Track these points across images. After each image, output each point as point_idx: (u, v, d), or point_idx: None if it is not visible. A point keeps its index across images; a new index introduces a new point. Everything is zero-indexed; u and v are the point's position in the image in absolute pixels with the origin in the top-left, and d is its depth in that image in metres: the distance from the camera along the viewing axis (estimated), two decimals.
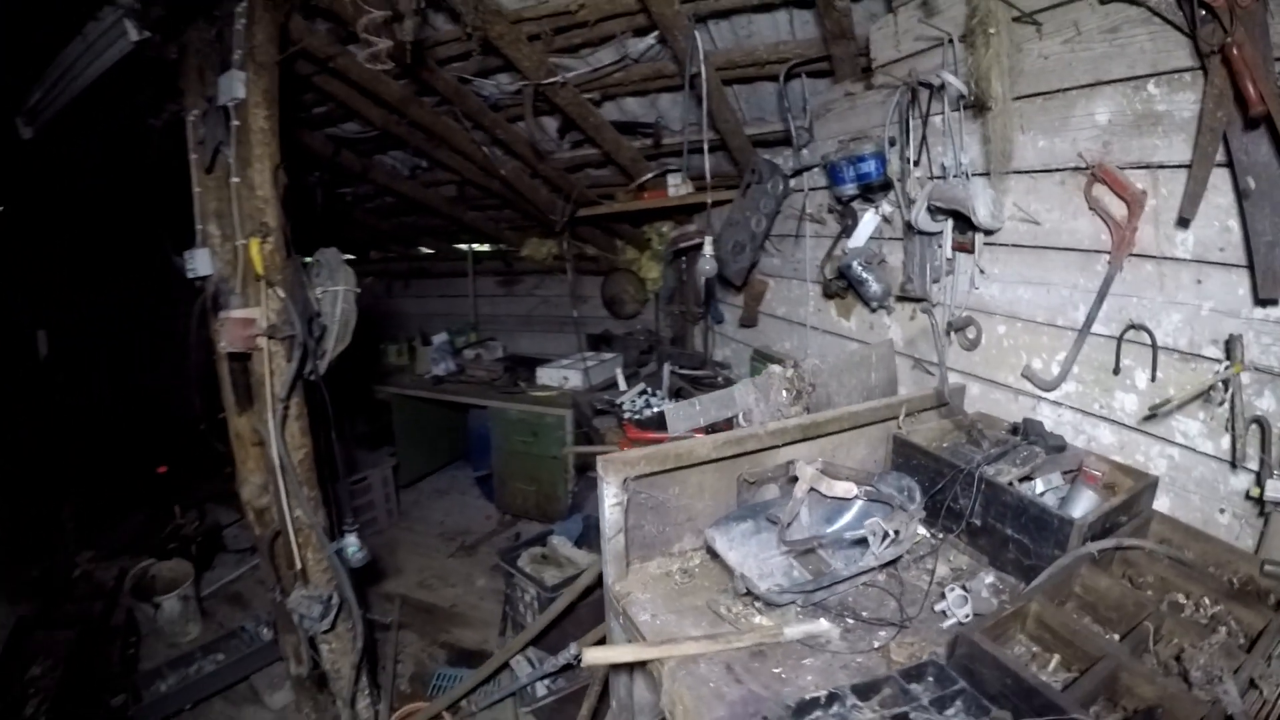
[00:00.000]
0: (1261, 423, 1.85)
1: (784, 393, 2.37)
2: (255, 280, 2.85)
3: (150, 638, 4.37)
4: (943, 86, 2.50)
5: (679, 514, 2.06)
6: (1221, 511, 1.99)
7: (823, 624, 1.70)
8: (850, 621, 1.77)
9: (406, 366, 6.84)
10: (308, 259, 3.15)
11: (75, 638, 4.05)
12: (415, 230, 7.05)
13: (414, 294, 8.07)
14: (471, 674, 3.66)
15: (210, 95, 2.84)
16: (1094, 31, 2.12)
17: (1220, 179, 1.87)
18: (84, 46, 3.10)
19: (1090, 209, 2.20)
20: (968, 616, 1.75)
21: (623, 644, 1.87)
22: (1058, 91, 2.26)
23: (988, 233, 2.54)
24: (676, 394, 4.39)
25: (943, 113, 2.60)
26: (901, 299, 3.04)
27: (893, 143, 2.87)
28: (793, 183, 3.71)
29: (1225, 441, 1.94)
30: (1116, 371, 2.20)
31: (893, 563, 1.96)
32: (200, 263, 2.95)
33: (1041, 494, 2.03)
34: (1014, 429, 2.37)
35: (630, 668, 2.08)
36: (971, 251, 2.62)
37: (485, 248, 7.26)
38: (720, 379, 4.54)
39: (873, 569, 1.84)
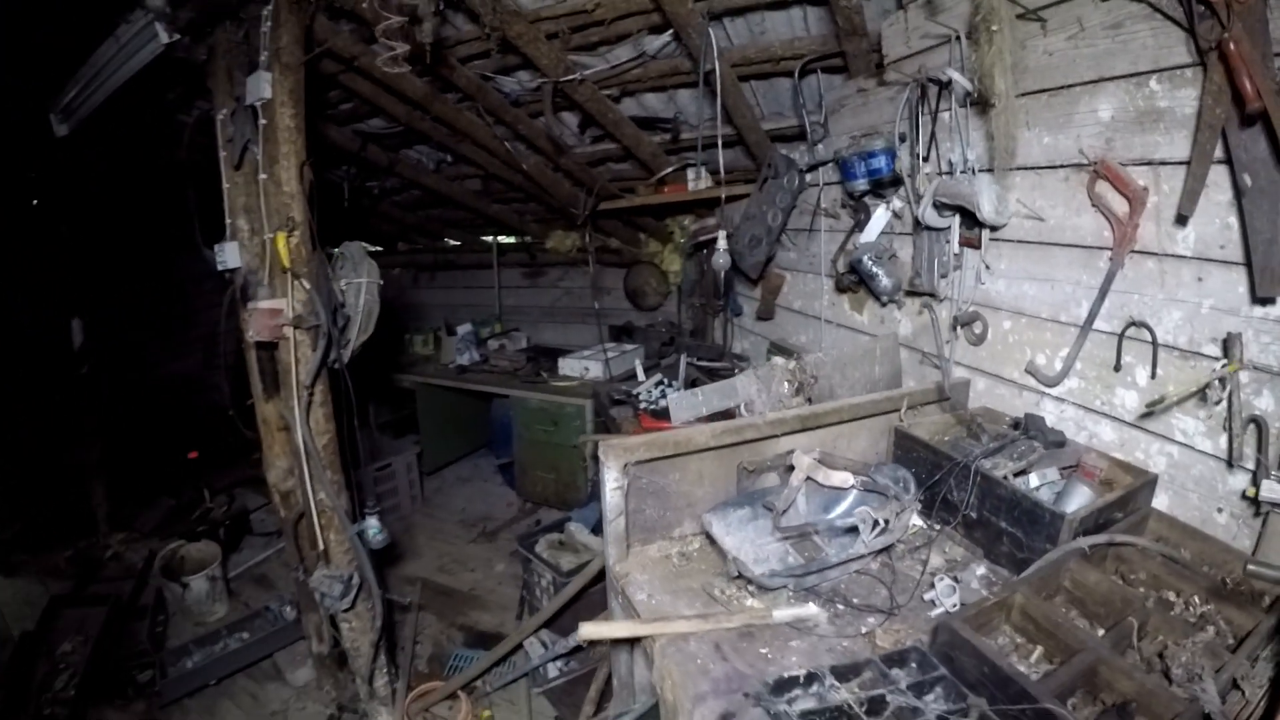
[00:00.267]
0: (1259, 422, 1.85)
1: (785, 385, 2.42)
2: (282, 272, 2.95)
3: (178, 616, 4.51)
4: (950, 83, 2.52)
5: (679, 499, 2.12)
6: (1219, 511, 2.00)
7: (811, 608, 1.75)
8: (840, 607, 1.83)
9: (432, 356, 6.94)
10: (334, 250, 3.26)
11: (105, 616, 4.19)
12: (441, 223, 7.14)
13: (440, 285, 8.15)
14: (486, 655, 3.76)
15: (238, 95, 2.94)
16: (1097, 27, 2.13)
17: (1220, 176, 1.88)
18: (116, 48, 3.19)
19: (1093, 205, 2.22)
20: (955, 606, 1.79)
21: (618, 620, 1.95)
22: (1062, 88, 2.27)
23: (993, 229, 2.56)
24: (692, 385, 4.44)
25: (950, 109, 2.61)
26: (910, 293, 3.06)
27: (903, 139, 2.89)
28: (808, 177, 3.74)
29: (1223, 440, 1.94)
30: (1118, 368, 2.21)
31: (886, 551, 2.00)
32: (230, 255, 3.05)
33: (1036, 488, 2.06)
34: (1015, 424, 2.39)
35: (630, 648, 2.16)
36: (978, 247, 2.64)
37: (510, 240, 7.32)
38: (736, 371, 4.58)
39: (863, 556, 1.89)
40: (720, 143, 3.53)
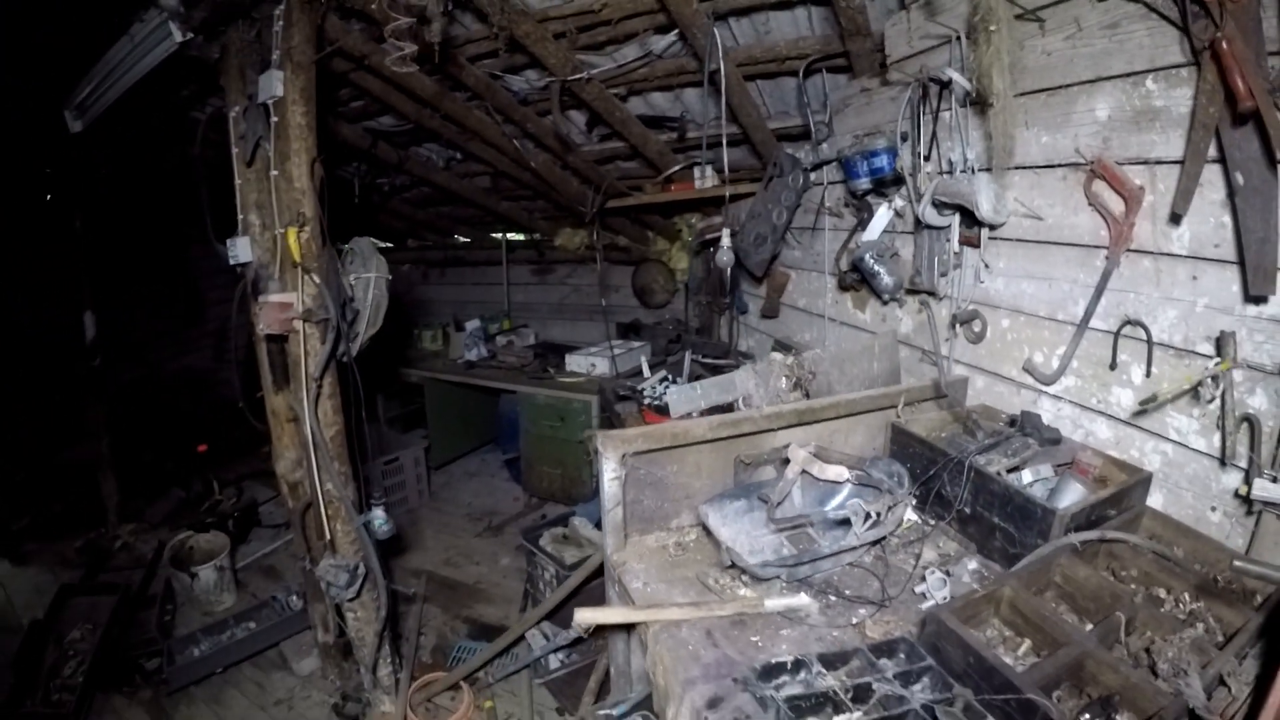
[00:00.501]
0: (1251, 421, 1.86)
1: (783, 380, 2.45)
2: (293, 267, 2.99)
3: (186, 606, 4.56)
4: (950, 83, 2.54)
5: (677, 491, 2.16)
6: (1213, 510, 2.01)
7: (803, 598, 1.79)
8: (832, 598, 1.86)
9: (440, 352, 6.99)
10: (344, 246, 3.31)
11: (114, 604, 4.24)
12: (451, 219, 7.18)
13: (450, 281, 8.21)
14: (489, 646, 3.80)
15: (251, 93, 2.98)
16: (1094, 27, 2.15)
17: (1214, 175, 1.90)
18: (130, 46, 3.24)
19: (1090, 204, 2.24)
20: (946, 599, 1.81)
21: (613, 607, 1.99)
22: (1060, 87, 2.30)
23: (992, 227, 2.58)
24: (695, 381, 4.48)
25: (951, 109, 2.64)
26: (911, 292, 3.08)
27: (905, 138, 2.90)
28: (812, 176, 3.77)
29: (1217, 439, 1.96)
30: (1113, 367, 2.23)
31: (879, 545, 2.03)
32: (241, 250, 3.10)
33: (1030, 484, 2.08)
34: (1011, 421, 2.42)
35: (626, 637, 2.20)
36: (977, 246, 2.67)
37: (519, 237, 7.37)
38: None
39: (854, 548, 1.92)
40: (726, 141, 3.56)
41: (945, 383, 2.58)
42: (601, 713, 2.27)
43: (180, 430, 6.28)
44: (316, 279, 3.00)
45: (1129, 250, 2.16)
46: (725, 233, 3.22)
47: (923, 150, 2.83)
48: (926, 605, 1.82)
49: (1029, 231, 2.50)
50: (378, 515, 3.22)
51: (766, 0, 3.03)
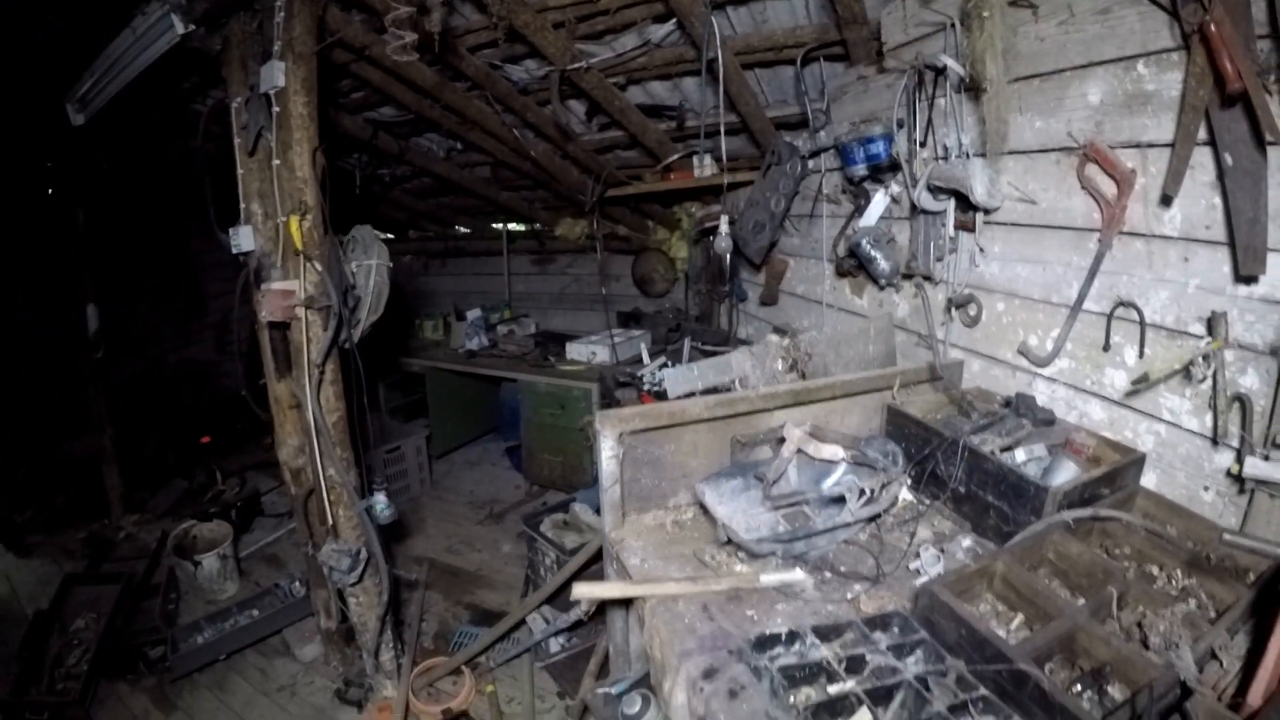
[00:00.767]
0: (1243, 400, 1.89)
1: (780, 362, 2.48)
2: (295, 255, 3.02)
3: (190, 595, 4.59)
4: (945, 69, 2.57)
5: (674, 470, 2.19)
6: (1206, 489, 2.04)
7: (798, 574, 1.82)
8: (827, 574, 1.89)
9: (441, 341, 7.01)
10: (346, 236, 3.34)
11: (118, 593, 4.27)
12: (452, 210, 7.21)
13: (450, 272, 8.23)
14: (490, 630, 3.84)
15: (252, 83, 3.01)
16: (1086, 13, 2.17)
17: (1204, 157, 1.93)
18: (133, 39, 3.25)
19: (1083, 188, 2.26)
20: (939, 575, 1.84)
21: (610, 581, 2.02)
22: (1053, 73, 2.32)
23: (987, 211, 2.61)
24: None
25: (946, 95, 2.66)
26: (907, 276, 3.11)
27: (901, 125, 2.93)
28: (810, 164, 3.78)
29: (1209, 419, 1.98)
30: (1106, 348, 2.27)
31: (874, 520, 2.07)
32: (244, 239, 3.12)
33: (1023, 463, 2.11)
34: (1006, 403, 2.45)
35: (625, 614, 2.23)
36: (972, 230, 2.70)
37: (520, 227, 7.39)
38: None
39: (848, 524, 1.95)
40: (724, 130, 3.59)
41: (941, 365, 2.61)
42: (601, 691, 2.30)
43: (182, 422, 6.33)
44: (319, 266, 3.04)
45: (1121, 233, 2.18)
46: (724, 220, 3.26)
47: (919, 136, 2.86)
48: (920, 581, 1.85)
49: (1023, 215, 2.52)
50: (379, 500, 3.26)
51: None
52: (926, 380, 2.63)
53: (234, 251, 3.16)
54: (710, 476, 2.10)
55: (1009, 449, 2.15)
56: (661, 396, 4.04)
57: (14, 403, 5.38)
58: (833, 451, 2.06)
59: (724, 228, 3.23)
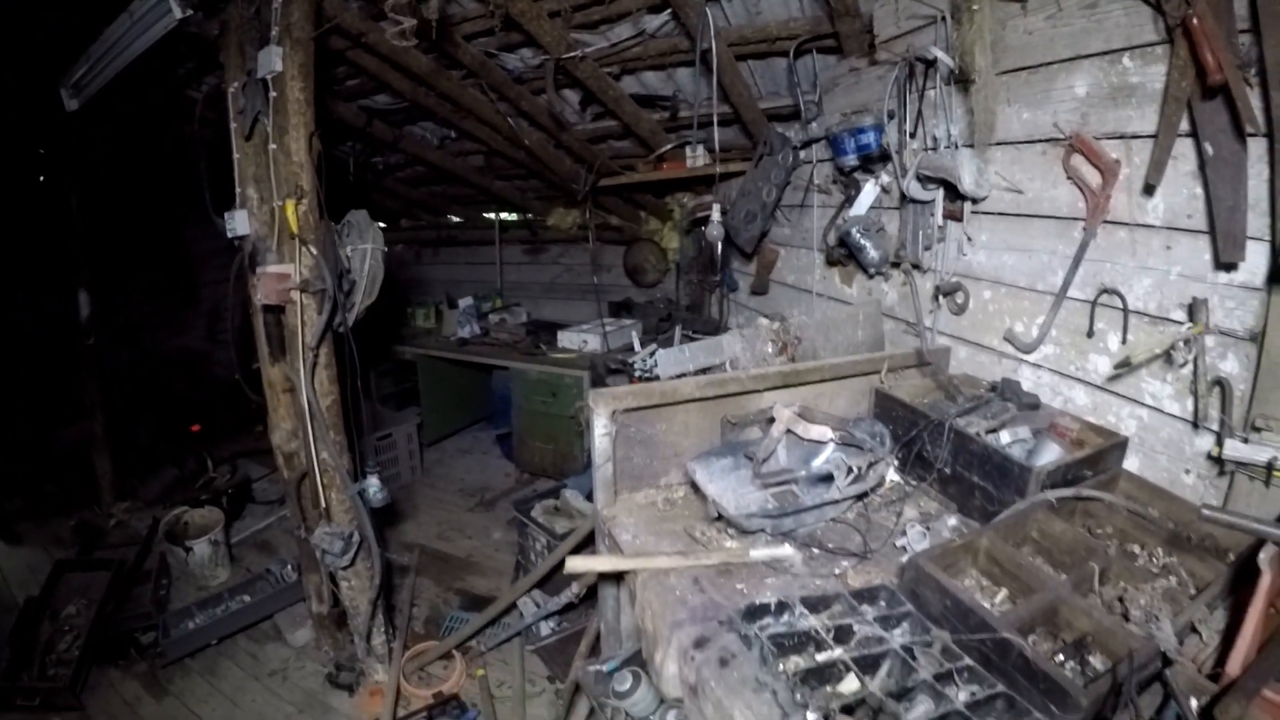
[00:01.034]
0: (1223, 384, 1.94)
1: (770, 345, 2.52)
2: (290, 239, 3.04)
3: (181, 581, 4.61)
4: (935, 62, 2.61)
5: (666, 449, 2.23)
6: (1187, 472, 2.09)
7: (787, 549, 1.86)
8: (815, 551, 1.93)
9: (433, 329, 7.03)
10: (340, 222, 3.35)
11: (109, 579, 4.29)
12: (444, 199, 7.23)
13: (442, 261, 8.25)
14: (481, 614, 3.88)
15: (250, 69, 3.02)
16: (1074, 7, 2.21)
17: (1186, 148, 1.98)
18: (130, 23, 3.26)
19: (1068, 178, 2.31)
20: (925, 549, 1.89)
21: (603, 555, 2.06)
22: (1040, 66, 2.36)
23: (974, 201, 2.65)
24: None
25: (936, 87, 2.71)
26: (896, 265, 3.15)
27: (892, 116, 2.97)
28: (801, 154, 3.82)
29: (1190, 403, 2.03)
30: (1090, 335, 2.31)
31: (861, 499, 2.11)
32: (239, 223, 3.14)
33: (1008, 445, 2.15)
34: (992, 387, 2.50)
35: (616, 589, 2.27)
36: (960, 219, 2.74)
37: (512, 217, 7.42)
38: None
39: (837, 501, 1.99)
40: (717, 121, 3.63)
41: (928, 351, 2.65)
42: (592, 668, 2.33)
43: (174, 410, 6.33)
44: (314, 250, 3.05)
45: (1105, 221, 2.23)
46: (715, 208, 3.30)
47: (909, 127, 2.89)
48: (906, 558, 1.89)
49: (1010, 205, 2.57)
50: (372, 484, 3.28)
51: None
52: (914, 365, 2.67)
53: (229, 236, 3.18)
54: (701, 455, 2.14)
55: (994, 431, 2.19)
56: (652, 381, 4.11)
57: (4, 389, 5.36)
58: (821, 432, 2.10)
59: (716, 215, 3.28)
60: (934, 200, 2.80)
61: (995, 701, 1.34)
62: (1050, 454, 2.08)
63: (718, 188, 3.98)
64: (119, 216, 5.80)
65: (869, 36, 3.17)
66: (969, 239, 2.75)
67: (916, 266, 2.99)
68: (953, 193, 2.68)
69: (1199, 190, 1.97)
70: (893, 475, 2.29)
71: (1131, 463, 2.19)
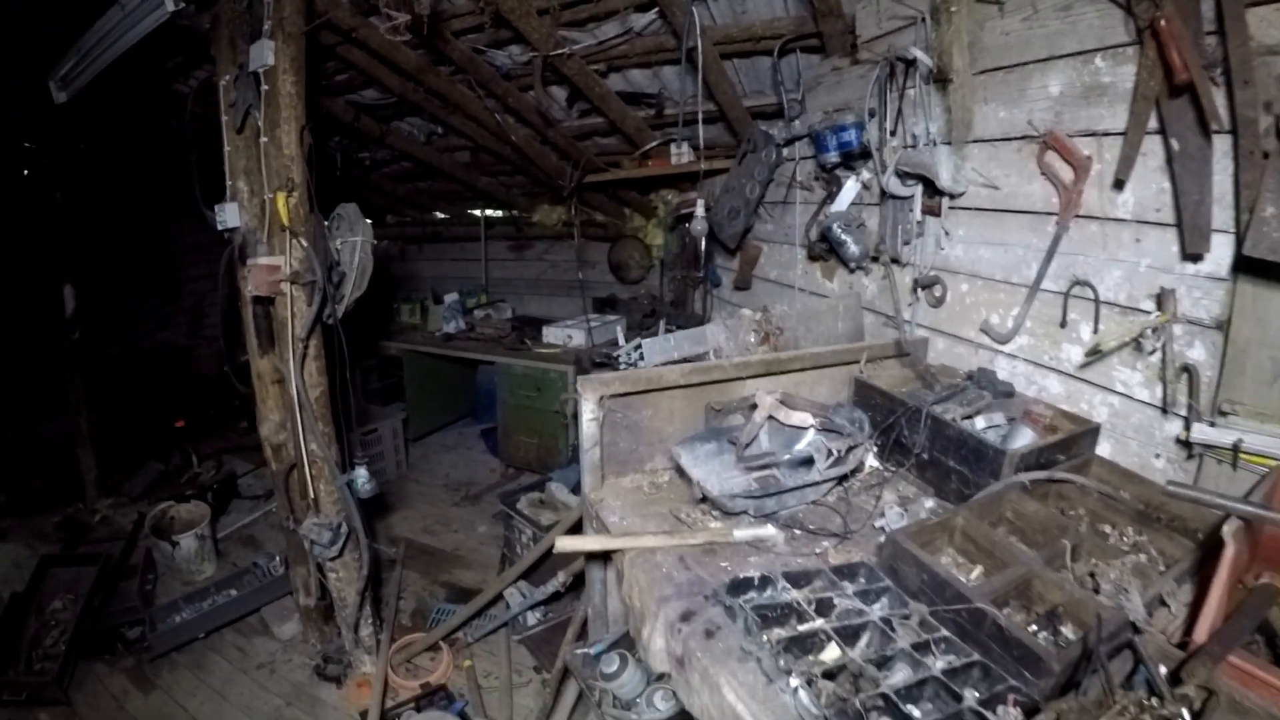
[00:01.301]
0: (1190, 370, 2.02)
1: (752, 335, 2.59)
2: (281, 231, 3.06)
3: (167, 575, 4.59)
4: (915, 61, 2.69)
5: (651, 435, 2.29)
6: (1157, 456, 2.17)
7: (770, 529, 1.92)
8: (797, 532, 1.99)
9: (418, 325, 7.04)
10: (331, 215, 3.38)
11: (95, 574, 4.27)
12: (430, 195, 7.24)
13: (427, 257, 8.24)
14: (467, 605, 3.91)
15: (241, 62, 3.03)
16: (1049, 9, 2.30)
17: (1155, 145, 2.06)
18: (121, 15, 3.27)
19: (1042, 174, 2.40)
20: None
21: (591, 535, 2.12)
22: (1016, 66, 2.45)
23: (952, 196, 2.74)
24: None
25: (916, 86, 2.78)
26: (875, 259, 3.23)
27: (873, 114, 3.04)
28: (785, 152, 3.89)
29: (1159, 390, 2.12)
30: (1063, 325, 2.40)
31: (841, 483, 2.18)
32: (230, 215, 3.15)
33: (983, 430, 2.23)
34: (969, 377, 2.58)
35: (604, 574, 2.32)
36: (938, 215, 2.82)
37: (498, 214, 7.43)
38: None
39: (817, 483, 2.05)
40: (701, 118, 3.68)
41: (906, 342, 2.72)
42: (580, 651, 2.39)
43: (158, 406, 6.29)
44: (304, 242, 3.08)
45: (1078, 216, 2.32)
46: (700, 204, 3.36)
47: (889, 125, 2.98)
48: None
49: (986, 200, 2.65)
50: (361, 474, 3.31)
51: None
52: (893, 356, 2.74)
53: (219, 228, 3.18)
54: (686, 440, 2.20)
55: (970, 417, 2.26)
56: None
57: None
58: (802, 418, 2.16)
59: (700, 210, 3.34)
60: (913, 196, 2.88)
61: (971, 670, 1.40)
62: (1024, 438, 2.15)
63: (702, 184, 4.04)
64: (105, 211, 5.76)
65: (851, 36, 3.25)
66: (947, 234, 2.83)
67: (896, 261, 3.06)
68: (931, 189, 2.77)
69: (1166, 185, 2.06)
70: (872, 461, 2.36)
71: (1104, 448, 2.26)
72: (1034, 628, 1.53)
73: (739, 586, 1.63)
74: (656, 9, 3.35)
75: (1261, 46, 1.78)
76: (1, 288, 5.30)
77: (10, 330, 5.34)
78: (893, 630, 1.51)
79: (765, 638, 1.48)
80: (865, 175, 3.21)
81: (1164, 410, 2.12)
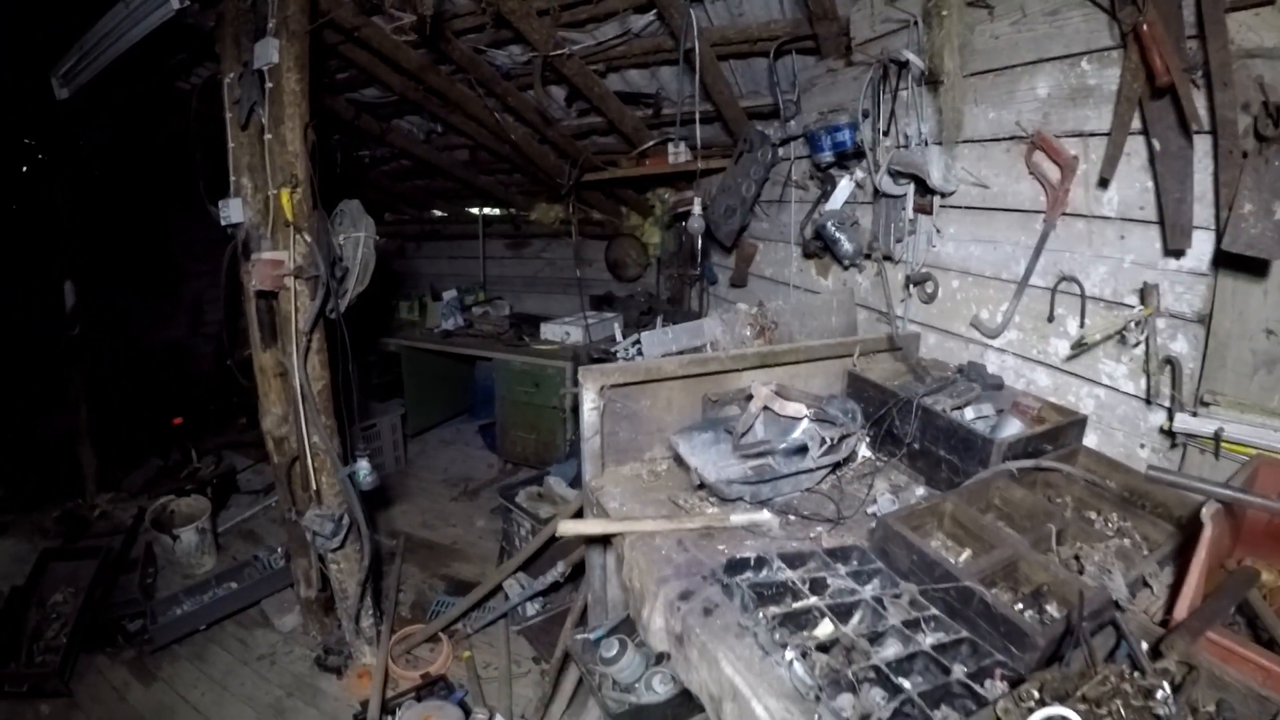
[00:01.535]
0: (1173, 362, 2.11)
1: (748, 328, 2.65)
2: (285, 226, 3.10)
3: (168, 569, 4.61)
4: (907, 64, 2.76)
5: (650, 424, 2.36)
6: (1142, 446, 2.26)
7: (765, 514, 1.98)
8: (791, 517, 2.05)
9: (417, 322, 7.06)
10: (332, 211, 3.42)
11: (96, 567, 4.27)
12: (429, 193, 7.29)
13: (426, 255, 8.29)
14: (467, 597, 3.95)
15: (246, 60, 3.08)
16: (1037, 14, 2.38)
17: (1138, 145, 2.14)
18: (125, 13, 3.29)
19: (1030, 173, 2.47)
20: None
21: (592, 519, 2.18)
22: (1005, 68, 2.52)
23: (943, 195, 2.81)
24: None
25: (908, 87, 2.86)
26: (869, 257, 3.30)
27: (866, 115, 3.11)
28: (780, 151, 3.96)
29: (1143, 382, 2.20)
30: (1051, 319, 2.48)
31: (835, 471, 2.24)
32: (234, 211, 3.19)
33: (972, 421, 2.30)
34: (959, 370, 2.64)
35: (604, 560, 2.38)
36: (930, 213, 2.89)
37: (495, 212, 7.47)
38: None
39: (811, 470, 2.12)
40: (699, 118, 3.74)
41: (899, 336, 2.79)
42: (580, 636, 2.44)
43: (157, 402, 6.31)
44: (308, 238, 3.12)
45: (1064, 214, 2.40)
46: (696, 203, 3.43)
47: (882, 126, 3.05)
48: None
49: (976, 199, 2.72)
50: (363, 466, 3.35)
51: None
52: (885, 350, 2.81)
53: (223, 223, 3.22)
54: (684, 429, 2.27)
55: (959, 408, 2.33)
56: None
57: None
58: (797, 408, 2.22)
59: (696, 208, 3.41)
60: (905, 195, 2.95)
61: (960, 645, 1.47)
62: (1012, 428, 2.22)
63: (699, 183, 4.10)
64: (105, 208, 5.78)
65: (846, 39, 3.31)
66: (938, 231, 2.90)
67: (888, 258, 3.13)
68: (923, 188, 2.84)
69: (1149, 183, 2.14)
70: (865, 451, 2.42)
71: (1090, 439, 2.34)
72: (1020, 606, 1.59)
73: (736, 566, 1.69)
74: (655, 10, 3.41)
75: (1240, 50, 1.86)
76: (1, 284, 5.32)
77: (10, 326, 5.36)
78: (884, 608, 1.57)
79: (761, 614, 1.54)
80: (859, 174, 3.28)
81: (1148, 401, 2.20)
